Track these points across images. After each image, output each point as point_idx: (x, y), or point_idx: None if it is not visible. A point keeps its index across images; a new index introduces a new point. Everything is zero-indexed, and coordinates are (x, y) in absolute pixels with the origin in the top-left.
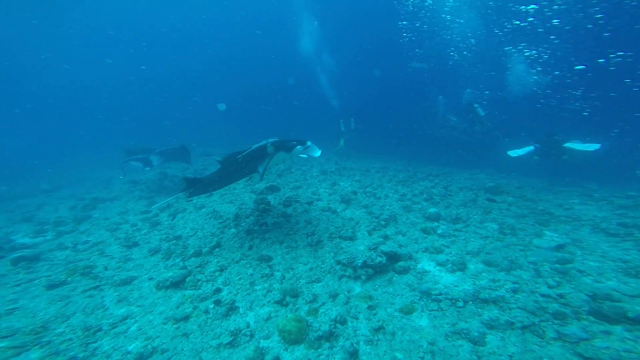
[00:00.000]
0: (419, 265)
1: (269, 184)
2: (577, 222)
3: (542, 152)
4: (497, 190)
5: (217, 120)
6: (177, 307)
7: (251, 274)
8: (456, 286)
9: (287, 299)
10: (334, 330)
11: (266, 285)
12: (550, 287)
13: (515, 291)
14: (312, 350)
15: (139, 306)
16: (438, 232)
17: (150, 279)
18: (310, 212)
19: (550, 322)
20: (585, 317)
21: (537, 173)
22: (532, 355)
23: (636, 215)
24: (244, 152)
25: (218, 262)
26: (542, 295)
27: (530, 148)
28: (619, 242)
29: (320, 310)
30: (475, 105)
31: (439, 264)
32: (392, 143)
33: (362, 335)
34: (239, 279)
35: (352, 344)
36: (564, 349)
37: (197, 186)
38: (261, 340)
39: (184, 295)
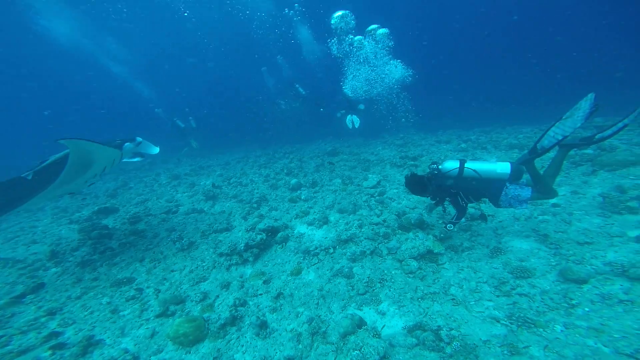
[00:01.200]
0: (295, 231)
1: (98, 207)
2: (382, 163)
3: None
4: (335, 152)
5: None
6: None
7: (109, 302)
8: (325, 237)
9: (172, 307)
10: (236, 313)
11: (136, 306)
12: (377, 216)
13: (360, 226)
14: (219, 340)
15: None
16: (302, 197)
17: None
18: (171, 220)
19: (383, 242)
20: (397, 231)
21: (355, 134)
22: (379, 272)
23: (407, 150)
24: (37, 166)
25: (41, 307)
26: (375, 224)
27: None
28: (404, 171)
29: (216, 303)
30: (296, 85)
31: (309, 224)
32: (242, 134)
33: (266, 307)
34: (91, 313)
35: (258, 317)
36: (392, 259)
37: None
38: (152, 357)
39: None
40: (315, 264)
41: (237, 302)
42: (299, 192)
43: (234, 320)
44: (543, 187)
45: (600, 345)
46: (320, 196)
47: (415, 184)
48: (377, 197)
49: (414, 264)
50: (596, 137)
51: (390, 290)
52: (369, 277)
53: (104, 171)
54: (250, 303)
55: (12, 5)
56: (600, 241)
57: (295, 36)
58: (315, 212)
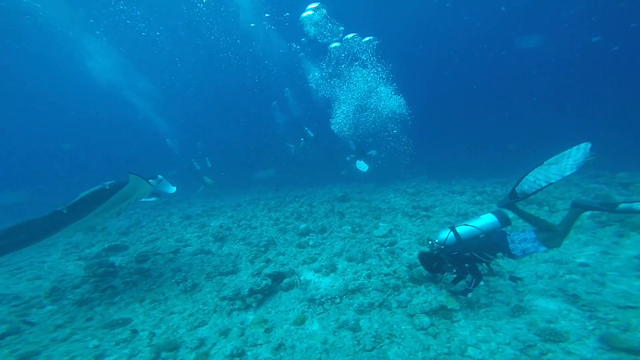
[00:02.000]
0: (302, 277)
1: (109, 245)
2: (394, 211)
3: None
4: (345, 198)
5: None
6: None
7: (96, 346)
8: (332, 286)
9: (164, 354)
10: None
11: (126, 351)
12: (387, 266)
13: (369, 276)
14: None
15: None
16: (310, 243)
17: None
18: (178, 260)
19: (392, 295)
20: (408, 284)
21: (366, 179)
22: (387, 326)
23: (419, 199)
24: (71, 201)
25: (15, 350)
26: (385, 275)
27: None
28: (415, 220)
29: (212, 352)
30: (305, 128)
31: (316, 271)
32: (255, 176)
33: (265, 359)
34: (71, 358)
35: None
36: (402, 313)
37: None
38: None
39: None
40: (320, 313)
41: (235, 351)
42: (307, 237)
43: None
44: (541, 225)
45: None
46: (329, 243)
47: (431, 262)
48: (388, 247)
49: (425, 319)
50: (620, 206)
51: (399, 348)
52: (376, 332)
53: (129, 205)
54: (249, 354)
55: (64, 44)
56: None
57: (303, 70)
58: (323, 259)
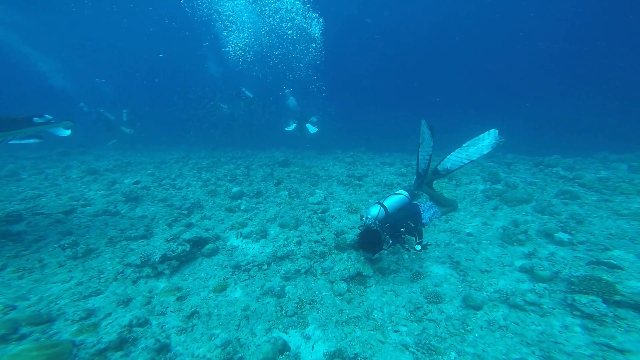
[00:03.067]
0: (228, 243)
1: None
2: (331, 179)
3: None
4: (287, 163)
5: None
6: None
7: None
8: (261, 252)
9: (25, 330)
10: (128, 335)
11: None
12: (317, 233)
13: (299, 243)
14: None
15: None
16: (242, 207)
17: None
18: (70, 221)
19: (318, 262)
20: (333, 251)
21: (312, 144)
22: (310, 292)
23: (354, 168)
24: None
25: None
26: (314, 242)
27: (294, 125)
28: (348, 189)
29: (104, 323)
30: (243, 89)
31: (245, 236)
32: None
33: (173, 328)
34: None
35: (157, 340)
36: (325, 280)
37: None
38: None
39: None
40: (245, 280)
41: (135, 321)
42: (239, 201)
43: (121, 343)
44: (442, 201)
45: None
46: (262, 208)
47: (372, 237)
48: (320, 214)
49: (343, 286)
50: (439, 168)
51: (318, 313)
52: (299, 298)
53: None
54: (154, 322)
55: None
56: (495, 269)
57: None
58: (254, 224)
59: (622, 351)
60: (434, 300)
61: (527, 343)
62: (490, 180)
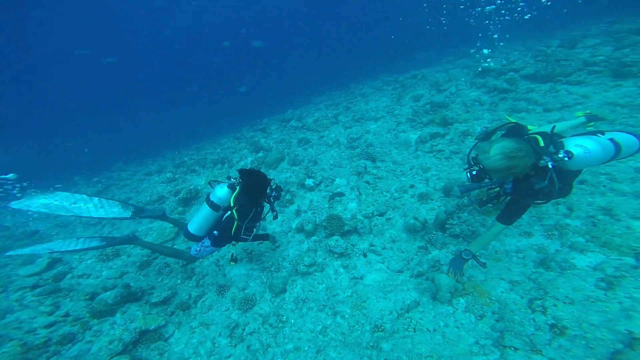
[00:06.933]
0: None
1: None
2: None
3: None
4: None
5: None
6: None
7: None
8: None
9: None
10: None
11: None
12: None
13: None
14: None
15: None
16: None
17: None
18: None
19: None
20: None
21: None
22: None
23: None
24: None
25: None
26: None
27: None
28: None
29: None
30: None
31: None
32: None
33: None
34: None
35: None
36: None
37: None
38: None
39: None
40: None
41: None
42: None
43: None
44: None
45: None
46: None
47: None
48: None
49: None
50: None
51: None
52: None
53: None
54: None
55: None
56: (283, 242)
57: None
58: None
59: (361, 277)
60: (246, 307)
61: (321, 307)
62: (255, 150)
